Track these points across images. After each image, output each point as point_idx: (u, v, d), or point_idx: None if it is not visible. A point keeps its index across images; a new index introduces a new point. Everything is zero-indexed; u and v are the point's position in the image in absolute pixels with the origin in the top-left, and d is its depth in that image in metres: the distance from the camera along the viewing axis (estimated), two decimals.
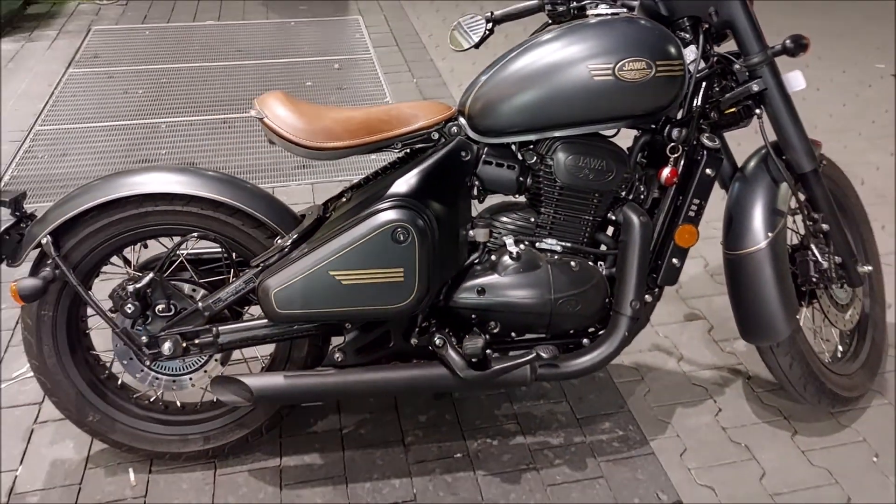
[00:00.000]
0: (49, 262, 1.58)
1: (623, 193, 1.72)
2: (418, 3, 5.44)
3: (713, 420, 1.96)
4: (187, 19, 4.99)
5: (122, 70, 4.15)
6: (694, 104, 1.66)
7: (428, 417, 1.96)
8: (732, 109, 1.71)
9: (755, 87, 1.64)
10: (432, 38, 4.75)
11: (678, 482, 1.79)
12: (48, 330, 1.66)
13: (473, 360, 1.62)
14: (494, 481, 1.79)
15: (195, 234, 1.63)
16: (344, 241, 1.52)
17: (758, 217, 1.75)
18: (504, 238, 1.66)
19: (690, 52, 1.63)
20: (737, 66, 1.67)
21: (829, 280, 1.83)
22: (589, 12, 1.74)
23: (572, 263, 1.66)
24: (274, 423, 1.81)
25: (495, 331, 1.68)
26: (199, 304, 1.63)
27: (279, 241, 1.62)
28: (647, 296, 1.73)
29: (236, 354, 1.92)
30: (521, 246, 1.66)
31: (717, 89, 1.71)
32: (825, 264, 1.81)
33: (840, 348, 2.07)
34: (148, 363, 1.67)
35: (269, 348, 1.84)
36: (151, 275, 1.61)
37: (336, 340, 1.69)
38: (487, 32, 1.83)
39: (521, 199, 1.74)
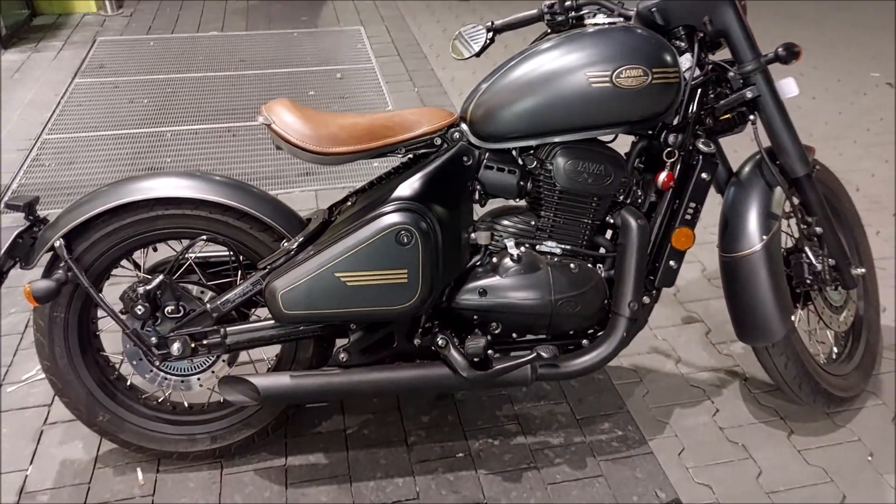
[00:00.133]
0: (62, 264, 1.62)
1: (621, 197, 1.75)
2: (419, 14, 5.50)
3: (711, 420, 2.00)
4: (191, 30, 5.06)
5: (127, 80, 4.20)
6: (689, 110, 1.70)
7: (430, 418, 2.00)
8: (727, 116, 1.75)
9: (749, 94, 1.69)
10: (433, 48, 4.81)
11: (676, 481, 1.82)
12: (60, 331, 1.70)
13: (475, 360, 1.66)
14: (496, 480, 1.82)
15: (204, 238, 1.67)
16: (349, 244, 1.56)
17: (753, 220, 1.80)
18: (505, 241, 1.70)
19: (686, 60, 1.68)
20: (731, 74, 1.71)
21: (823, 282, 1.87)
22: (587, 22, 1.79)
23: (572, 265, 1.70)
24: (279, 423, 1.85)
25: (497, 331, 1.72)
26: (208, 305, 1.67)
27: (286, 244, 1.66)
28: (645, 297, 1.77)
29: (243, 356, 1.96)
30: (522, 248, 1.70)
31: (712, 96, 1.75)
32: (819, 266, 1.85)
33: (835, 350, 2.11)
34: (157, 364, 1.71)
35: (274, 350, 1.88)
36: (161, 277, 1.65)
37: (341, 342, 1.73)
38: (488, 41, 1.88)
39: (522, 203, 1.78)
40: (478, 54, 1.87)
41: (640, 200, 1.77)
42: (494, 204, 1.82)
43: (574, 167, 1.66)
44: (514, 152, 1.70)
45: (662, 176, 1.70)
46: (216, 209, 1.65)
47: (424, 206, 1.59)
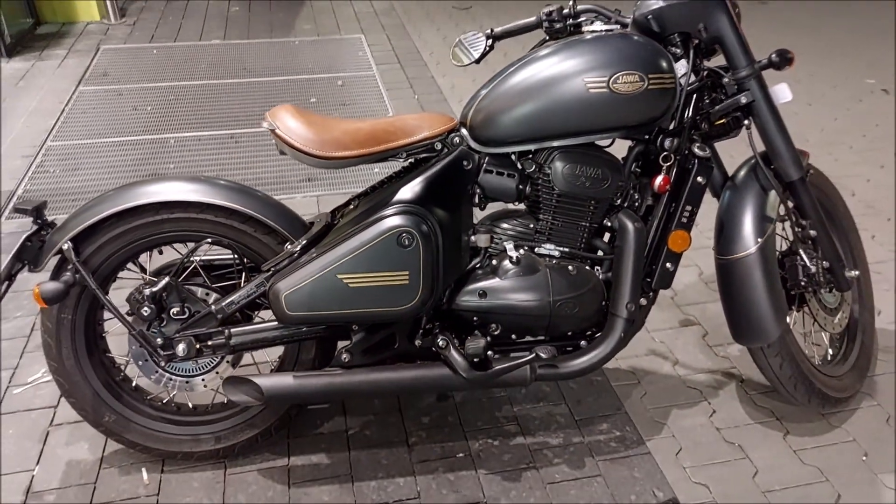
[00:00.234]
0: (69, 267, 1.65)
1: (618, 201, 1.78)
2: (419, 23, 5.55)
3: (707, 421, 2.03)
4: (194, 38, 5.11)
5: (130, 87, 4.24)
6: (685, 115, 1.74)
7: (431, 419, 2.02)
8: (722, 121, 1.78)
9: (743, 100, 1.72)
10: (433, 55, 4.85)
11: (674, 480, 1.85)
12: (67, 333, 1.73)
13: (475, 360, 1.69)
14: (495, 479, 1.85)
15: (209, 240, 1.71)
16: (351, 246, 1.60)
17: (748, 223, 1.83)
18: (504, 243, 1.73)
19: (681, 67, 1.71)
20: (726, 80, 1.74)
21: (817, 284, 1.90)
22: (585, 29, 1.83)
23: (570, 268, 1.73)
24: (282, 423, 1.87)
25: (496, 333, 1.75)
26: (213, 307, 1.70)
27: (289, 246, 1.69)
28: (642, 299, 1.80)
29: (246, 358, 1.98)
30: (521, 251, 1.73)
31: (708, 101, 1.79)
32: (813, 269, 1.88)
33: (830, 351, 2.14)
34: (162, 364, 1.74)
35: (277, 352, 1.90)
36: (167, 279, 1.68)
37: (343, 344, 1.76)
38: (487, 48, 1.91)
39: (521, 206, 1.82)
40: (477, 61, 1.90)
41: (637, 204, 1.80)
42: (494, 207, 1.86)
43: (572, 171, 1.69)
44: (513, 157, 1.73)
45: (659, 179, 1.74)
46: (221, 213, 1.68)
47: (425, 209, 1.63)
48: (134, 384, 1.87)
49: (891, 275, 2.66)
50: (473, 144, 1.69)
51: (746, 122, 1.77)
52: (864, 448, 1.94)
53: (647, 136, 1.76)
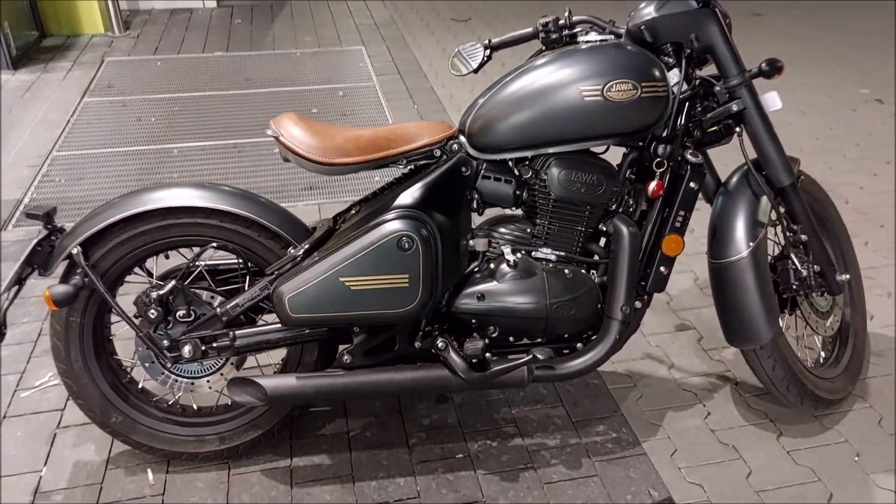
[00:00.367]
0: (79, 271, 1.69)
1: (613, 206, 1.83)
2: (419, 35, 5.62)
3: (702, 423, 2.06)
4: (197, 51, 5.17)
5: (135, 99, 4.30)
6: (678, 123, 1.78)
7: (431, 421, 2.06)
8: (714, 128, 1.83)
9: (735, 107, 1.77)
10: (432, 66, 4.91)
11: (669, 480, 1.88)
12: (76, 335, 1.77)
13: (473, 361, 1.73)
14: (494, 480, 1.88)
15: (214, 245, 1.75)
16: (353, 250, 1.64)
17: (740, 228, 1.87)
18: (502, 247, 1.78)
19: (674, 75, 1.76)
20: (717, 88, 1.80)
21: (808, 287, 1.94)
22: (580, 39, 1.88)
23: (566, 271, 1.78)
24: (285, 424, 1.91)
25: (494, 335, 1.79)
26: (218, 309, 1.74)
27: (292, 250, 1.74)
28: (637, 302, 1.84)
29: (250, 361, 2.02)
30: (518, 255, 1.77)
31: (700, 109, 1.83)
32: (804, 272, 1.92)
33: (822, 354, 2.18)
34: (168, 366, 1.78)
35: (280, 354, 1.94)
36: (174, 282, 1.72)
37: (344, 347, 1.80)
38: (485, 59, 1.95)
39: (518, 211, 1.86)
40: (475, 71, 1.94)
41: (631, 209, 1.85)
42: (492, 213, 1.90)
43: (568, 177, 1.74)
44: (510, 163, 1.78)
45: (652, 185, 1.78)
46: (226, 218, 1.72)
47: (425, 213, 1.67)
48: (140, 386, 1.91)
49: (884, 280, 2.70)
50: (471, 151, 1.74)
51: (738, 129, 1.81)
52: (856, 449, 1.98)
53: (640, 143, 1.81)
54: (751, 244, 1.85)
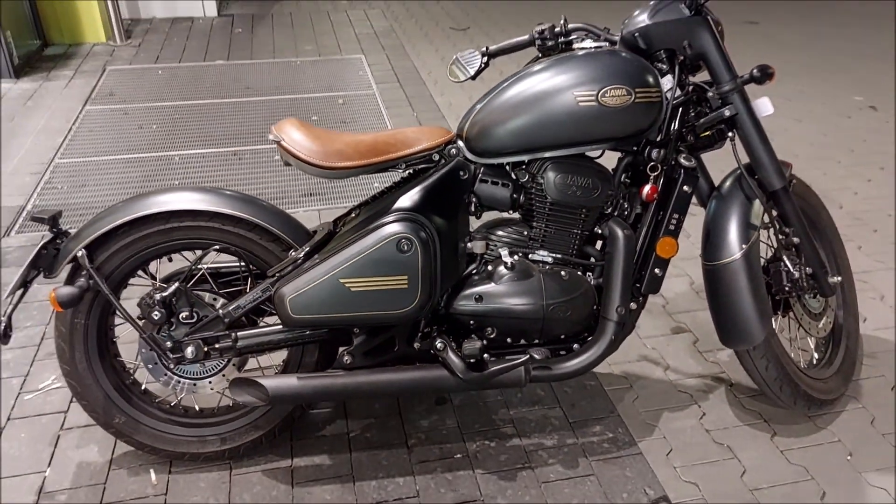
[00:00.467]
0: (83, 273, 1.72)
1: (608, 209, 1.87)
2: (418, 44, 5.68)
3: (697, 423, 2.09)
4: (198, 59, 5.22)
5: (136, 107, 4.35)
6: (671, 128, 1.82)
7: (430, 422, 2.09)
8: (707, 133, 1.87)
9: (727, 113, 1.80)
10: (431, 75, 4.96)
11: (664, 479, 1.91)
12: (80, 337, 1.80)
13: (471, 361, 1.76)
14: (492, 479, 1.91)
15: (216, 248, 1.78)
16: (353, 252, 1.67)
17: (733, 231, 1.90)
18: (499, 250, 1.81)
19: (667, 81, 1.80)
20: (710, 94, 1.83)
21: (801, 289, 1.97)
22: (575, 46, 1.92)
23: (562, 273, 1.81)
24: (286, 425, 1.94)
25: (492, 336, 1.82)
26: (220, 311, 1.77)
27: (293, 253, 1.77)
28: (632, 303, 1.88)
29: (251, 363, 2.05)
30: (516, 257, 1.80)
31: (693, 115, 1.87)
32: (797, 274, 1.95)
33: (815, 356, 2.21)
34: (171, 367, 1.81)
35: (281, 356, 1.97)
36: (177, 284, 1.75)
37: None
38: (483, 65, 1.99)
39: (515, 215, 1.90)
40: (473, 78, 1.99)
41: (626, 212, 1.88)
42: (489, 217, 1.94)
43: (564, 181, 1.77)
44: (507, 167, 1.81)
45: (647, 189, 1.82)
46: (228, 221, 1.76)
47: (423, 216, 1.70)
48: (143, 388, 1.94)
49: (877, 283, 2.73)
50: (469, 155, 1.78)
51: (731, 134, 1.85)
52: (848, 448, 2.01)
53: (635, 148, 1.85)
54: (743, 246, 1.88)
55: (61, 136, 3.94)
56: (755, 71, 1.78)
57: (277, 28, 6.05)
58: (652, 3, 1.82)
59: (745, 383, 2.23)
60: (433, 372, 1.78)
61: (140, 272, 1.85)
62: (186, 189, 1.77)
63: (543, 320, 1.80)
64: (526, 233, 1.84)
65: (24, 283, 1.72)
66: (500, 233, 1.85)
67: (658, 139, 1.82)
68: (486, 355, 1.79)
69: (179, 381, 1.85)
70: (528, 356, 1.75)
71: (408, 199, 1.72)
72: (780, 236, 1.96)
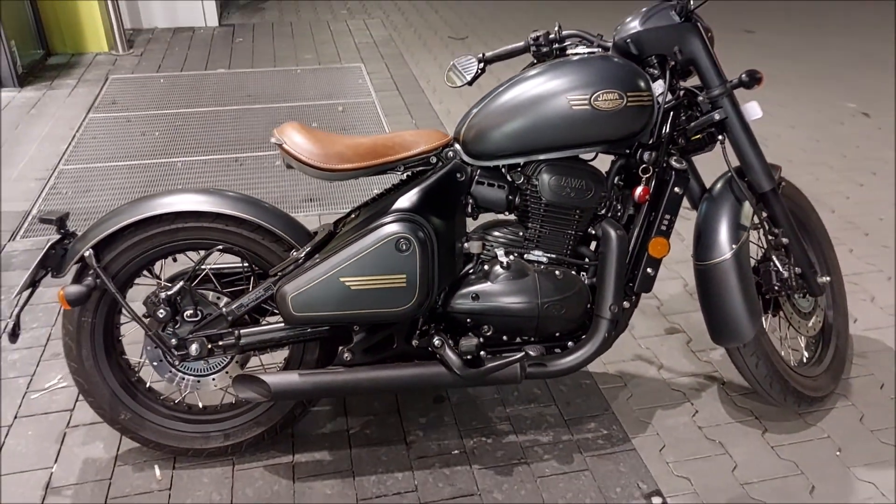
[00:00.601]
0: (91, 272, 1.77)
1: (602, 210, 1.92)
2: (417, 52, 5.74)
3: (690, 420, 2.14)
4: (199, 68, 5.29)
5: (139, 114, 4.41)
6: (663, 131, 1.87)
7: (428, 419, 2.13)
8: (698, 136, 1.92)
9: (717, 116, 1.85)
10: (430, 83, 5.03)
11: (657, 474, 1.95)
12: (87, 335, 1.84)
13: (468, 357, 1.81)
14: (489, 474, 1.95)
15: (220, 248, 1.83)
16: (353, 251, 1.72)
17: (723, 231, 1.95)
18: (496, 250, 1.86)
19: (659, 86, 1.85)
20: (700, 98, 1.89)
21: (790, 288, 2.02)
22: (569, 52, 1.97)
23: (557, 272, 1.86)
24: (287, 422, 1.98)
25: (488, 333, 1.87)
26: (223, 309, 1.82)
27: (295, 253, 1.82)
28: (625, 302, 1.92)
29: (253, 362, 2.10)
30: (511, 257, 1.85)
31: (684, 118, 1.92)
32: (786, 274, 2.00)
33: (806, 354, 2.26)
34: (176, 364, 1.85)
35: (283, 354, 2.02)
36: (181, 283, 1.80)
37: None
38: (479, 71, 2.05)
39: (511, 217, 1.95)
40: (470, 83, 2.04)
41: (619, 213, 1.93)
42: (486, 219, 1.98)
43: (558, 182, 1.82)
44: (502, 169, 1.86)
45: (639, 190, 1.87)
46: (232, 222, 1.81)
47: (422, 217, 1.75)
48: (148, 385, 1.98)
49: (868, 286, 2.78)
50: (466, 158, 1.83)
51: (720, 137, 1.90)
52: (837, 444, 2.05)
53: (627, 151, 1.90)
54: (733, 246, 1.93)
55: (65, 143, 4.00)
56: (744, 76, 1.83)
57: (278, 37, 6.12)
58: (643, 9, 1.87)
59: (738, 382, 2.27)
60: (431, 369, 1.83)
61: (145, 272, 1.90)
62: (191, 191, 1.82)
63: (538, 318, 1.85)
64: (521, 233, 1.89)
65: (33, 283, 1.77)
66: (496, 233, 1.90)
67: (650, 142, 1.87)
68: (482, 353, 1.84)
69: (184, 378, 1.89)
70: (523, 353, 1.80)
71: (406, 201, 1.77)
72: (770, 237, 2.01)
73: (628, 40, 1.86)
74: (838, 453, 2.02)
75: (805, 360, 2.25)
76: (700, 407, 2.19)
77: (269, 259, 1.85)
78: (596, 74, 1.76)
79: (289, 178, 3.63)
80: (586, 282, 1.91)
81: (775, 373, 2.00)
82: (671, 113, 1.89)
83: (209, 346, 1.81)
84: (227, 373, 1.90)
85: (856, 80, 5.15)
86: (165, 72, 5.20)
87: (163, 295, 1.79)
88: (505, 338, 1.90)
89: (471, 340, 1.81)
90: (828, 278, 2.09)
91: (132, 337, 2.27)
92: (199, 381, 1.90)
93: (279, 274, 1.81)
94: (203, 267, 1.88)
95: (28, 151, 3.90)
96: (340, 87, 4.94)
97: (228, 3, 7.34)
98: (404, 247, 1.72)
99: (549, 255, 1.88)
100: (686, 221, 3.11)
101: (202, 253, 1.84)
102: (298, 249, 1.82)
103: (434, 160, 1.83)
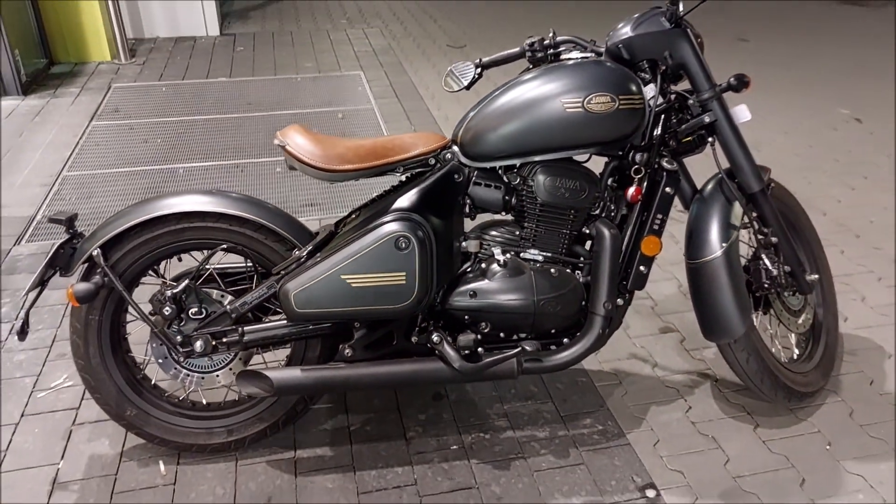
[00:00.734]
0: (98, 271, 1.82)
1: (595, 210, 1.97)
2: (416, 60, 5.81)
3: (684, 416, 2.18)
4: (201, 76, 5.35)
5: (141, 122, 4.46)
6: (654, 133, 1.93)
7: (427, 416, 2.18)
8: (688, 138, 1.98)
9: (707, 119, 1.91)
10: (429, 90, 5.09)
11: (651, 468, 2.00)
12: (94, 333, 1.89)
13: (466, 352, 1.86)
14: (486, 468, 2.00)
15: (224, 247, 1.88)
16: (354, 249, 1.77)
17: (714, 231, 2.01)
18: (493, 249, 1.91)
19: (650, 90, 1.91)
20: (690, 101, 1.94)
21: (780, 286, 2.07)
22: (563, 57, 2.03)
23: (552, 270, 1.91)
24: (289, 418, 2.03)
25: (486, 330, 1.92)
26: (227, 307, 1.87)
27: (297, 252, 1.87)
28: (618, 299, 1.97)
29: (256, 359, 2.15)
30: (508, 255, 1.90)
31: (675, 121, 1.98)
32: (775, 272, 2.05)
33: (796, 351, 2.31)
34: (181, 360, 1.90)
35: (285, 352, 2.06)
36: (187, 282, 1.85)
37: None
38: (476, 76, 2.10)
39: (508, 217, 2.00)
40: (467, 87, 2.09)
41: (612, 213, 1.98)
42: (483, 219, 2.04)
43: (553, 183, 1.88)
44: (499, 170, 1.92)
45: (631, 191, 1.92)
46: (236, 222, 1.86)
47: (421, 216, 1.81)
48: (153, 382, 2.03)
49: (858, 286, 2.84)
50: (463, 160, 1.88)
51: (710, 139, 1.96)
52: (827, 438, 2.10)
53: (620, 152, 1.95)
54: (724, 245, 1.98)
55: (69, 150, 4.05)
56: (732, 79, 1.89)
57: (278, 46, 6.19)
58: (635, 16, 1.93)
59: (730, 378, 2.32)
60: (430, 364, 1.88)
61: (150, 272, 1.95)
62: (196, 192, 1.87)
63: (534, 315, 1.90)
64: (518, 233, 1.94)
65: (42, 282, 1.81)
66: (493, 233, 1.95)
67: (642, 144, 1.92)
68: (480, 349, 1.89)
69: (188, 375, 1.94)
70: (520, 348, 1.85)
71: (406, 201, 1.83)
72: (760, 236, 2.06)
73: (620, 45, 1.92)
74: (828, 447, 2.07)
75: (795, 356, 2.30)
76: (693, 403, 2.24)
77: (272, 258, 1.90)
78: (589, 78, 1.82)
79: (289, 183, 3.68)
80: (581, 280, 1.96)
81: (766, 369, 2.04)
82: (662, 116, 1.94)
83: (213, 342, 1.86)
84: (230, 370, 1.95)
85: (848, 87, 5.22)
86: (167, 80, 5.27)
87: (168, 293, 1.84)
88: (502, 334, 1.94)
89: (468, 337, 1.86)
90: (816, 276, 2.14)
91: (137, 336, 2.31)
92: (203, 378, 1.94)
93: (282, 272, 1.86)
94: (207, 266, 1.93)
95: (32, 158, 3.96)
96: (340, 94, 5.01)
97: (229, 13, 7.41)
98: (404, 245, 1.77)
99: (544, 253, 1.93)
100: (679, 224, 3.16)
101: (206, 252, 1.89)
102: (300, 248, 1.87)
103: (432, 162, 1.89)
